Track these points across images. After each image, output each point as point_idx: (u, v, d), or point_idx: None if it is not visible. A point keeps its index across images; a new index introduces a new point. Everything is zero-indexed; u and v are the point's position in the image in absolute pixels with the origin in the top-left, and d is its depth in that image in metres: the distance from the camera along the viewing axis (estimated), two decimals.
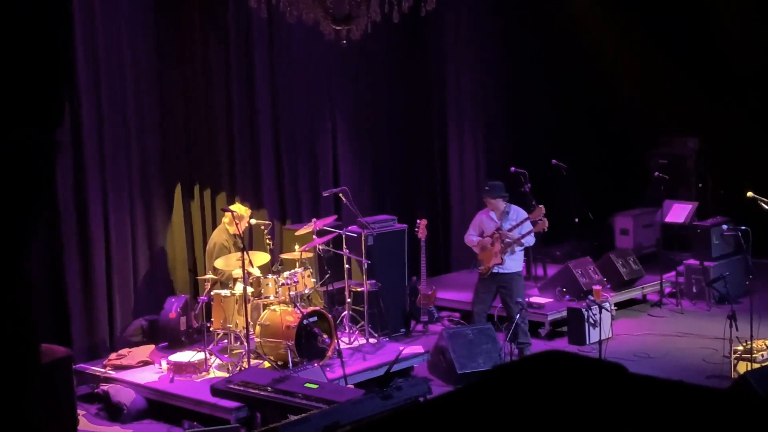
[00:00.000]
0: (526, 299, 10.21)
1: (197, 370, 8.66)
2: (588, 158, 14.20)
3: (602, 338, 9.65)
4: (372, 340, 9.69)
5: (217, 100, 10.54)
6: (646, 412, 2.25)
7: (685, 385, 2.33)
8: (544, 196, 12.25)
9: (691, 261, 12.08)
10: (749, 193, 10.05)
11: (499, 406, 2.32)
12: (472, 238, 9.86)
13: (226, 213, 9.28)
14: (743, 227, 10.20)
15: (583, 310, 10.13)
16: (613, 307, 10.82)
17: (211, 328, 8.95)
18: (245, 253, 8.48)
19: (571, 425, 2.23)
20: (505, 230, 9.61)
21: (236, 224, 8.89)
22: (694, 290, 11.93)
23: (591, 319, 10.05)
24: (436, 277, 12.53)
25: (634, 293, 11.90)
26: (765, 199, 10.05)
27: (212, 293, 8.91)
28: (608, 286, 11.40)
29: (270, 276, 9.00)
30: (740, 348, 8.91)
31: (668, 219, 12.63)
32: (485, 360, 9.23)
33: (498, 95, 13.74)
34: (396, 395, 6.28)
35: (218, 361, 8.83)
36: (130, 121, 9.84)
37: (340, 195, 9.90)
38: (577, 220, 12.43)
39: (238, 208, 9.37)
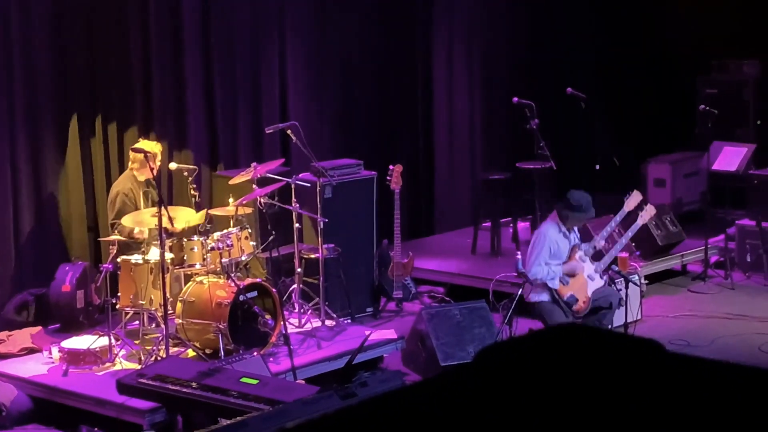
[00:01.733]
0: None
1: (99, 360, 8.65)
2: (616, 88, 14.21)
3: (629, 320, 9.69)
4: (329, 323, 9.73)
5: (130, 8, 10.49)
6: (689, 400, 2.27)
7: (742, 368, 2.35)
8: (556, 136, 12.28)
9: (746, 221, 12.18)
10: None
11: (497, 394, 2.33)
12: (547, 268, 9.23)
13: (136, 155, 9.25)
14: None
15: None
16: (643, 281, 10.89)
17: (117, 306, 8.95)
18: (162, 206, 8.44)
19: (595, 419, 2.25)
20: (582, 246, 9.46)
21: (150, 167, 8.83)
22: (749, 259, 12.03)
23: (610, 283, 10.09)
24: (415, 240, 12.60)
25: (671, 262, 11.99)
26: None
27: (119, 260, 8.91)
28: (637, 253, 11.45)
29: (196, 238, 8.98)
30: None
31: (717, 166, 12.67)
32: (477, 348, 9.23)
33: (502, 12, 13.77)
34: (360, 393, 6.30)
35: (127, 348, 8.81)
36: (13, 38, 9.78)
37: (289, 132, 9.88)
38: (598, 167, 12.46)
39: (146, 145, 9.32)
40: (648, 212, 9.81)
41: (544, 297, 9.39)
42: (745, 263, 12.05)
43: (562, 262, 9.40)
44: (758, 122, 13.91)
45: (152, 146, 9.37)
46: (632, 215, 9.86)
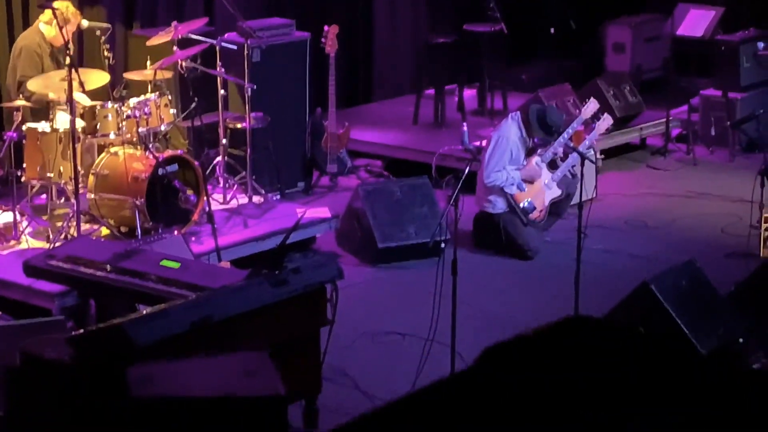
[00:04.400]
0: (474, 144, 10.26)
1: (3, 237, 8.68)
2: None
3: (583, 199, 9.76)
4: (257, 199, 9.78)
5: None
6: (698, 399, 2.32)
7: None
8: None
9: (711, 91, 12.27)
10: None
11: (510, 401, 2.38)
12: (506, 174, 9.31)
13: (45, 10, 9.10)
14: None
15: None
16: (599, 156, 10.95)
17: (22, 178, 8.91)
18: (73, 69, 8.34)
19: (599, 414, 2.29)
20: (539, 152, 9.53)
21: (60, 28, 8.70)
22: (713, 133, 12.14)
23: (568, 173, 10.17)
24: (351, 109, 12.63)
25: (629, 136, 12.10)
26: None
27: (24, 128, 8.83)
28: (593, 125, 11.50)
29: (110, 104, 8.94)
30: None
31: (681, 31, 12.71)
32: (418, 229, 9.31)
33: None
34: (292, 280, 6.34)
35: (34, 225, 8.83)
36: None
37: None
38: (552, 30, 12.45)
39: (65, 6, 9.13)
40: (606, 121, 9.90)
41: (501, 206, 9.43)
42: (708, 137, 12.15)
43: (518, 168, 9.47)
44: None
45: (71, 10, 9.16)
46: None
